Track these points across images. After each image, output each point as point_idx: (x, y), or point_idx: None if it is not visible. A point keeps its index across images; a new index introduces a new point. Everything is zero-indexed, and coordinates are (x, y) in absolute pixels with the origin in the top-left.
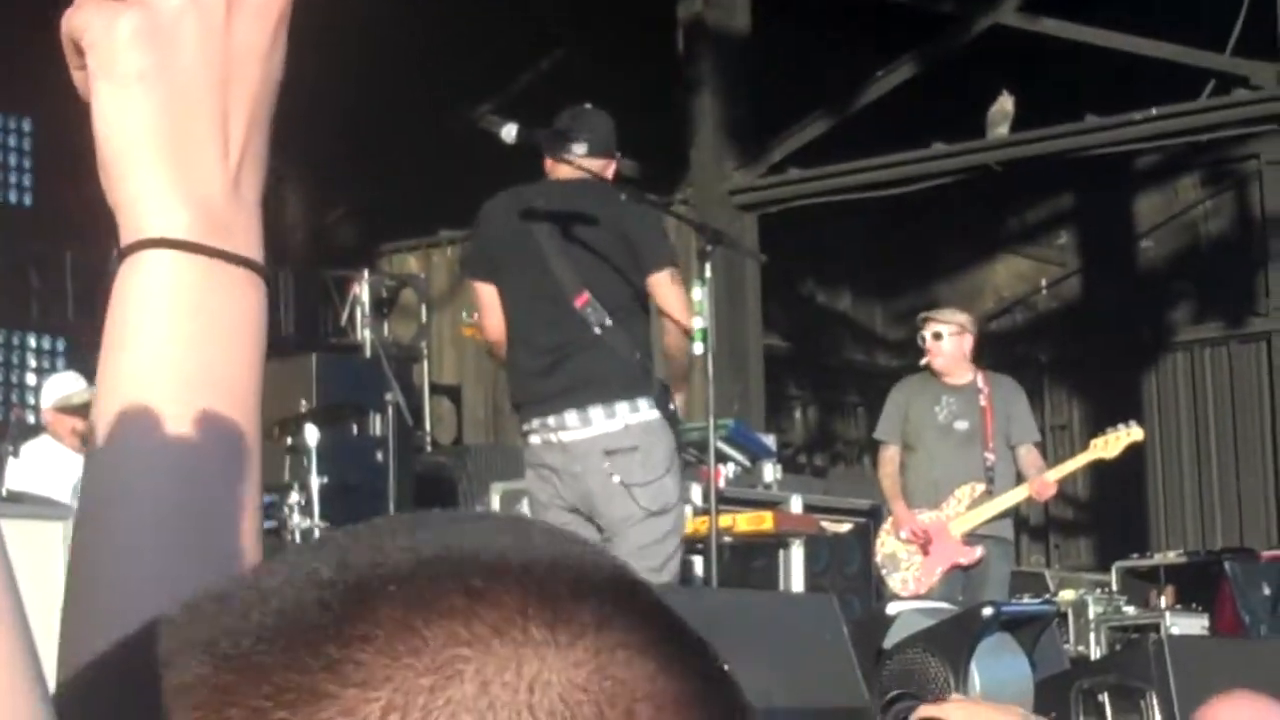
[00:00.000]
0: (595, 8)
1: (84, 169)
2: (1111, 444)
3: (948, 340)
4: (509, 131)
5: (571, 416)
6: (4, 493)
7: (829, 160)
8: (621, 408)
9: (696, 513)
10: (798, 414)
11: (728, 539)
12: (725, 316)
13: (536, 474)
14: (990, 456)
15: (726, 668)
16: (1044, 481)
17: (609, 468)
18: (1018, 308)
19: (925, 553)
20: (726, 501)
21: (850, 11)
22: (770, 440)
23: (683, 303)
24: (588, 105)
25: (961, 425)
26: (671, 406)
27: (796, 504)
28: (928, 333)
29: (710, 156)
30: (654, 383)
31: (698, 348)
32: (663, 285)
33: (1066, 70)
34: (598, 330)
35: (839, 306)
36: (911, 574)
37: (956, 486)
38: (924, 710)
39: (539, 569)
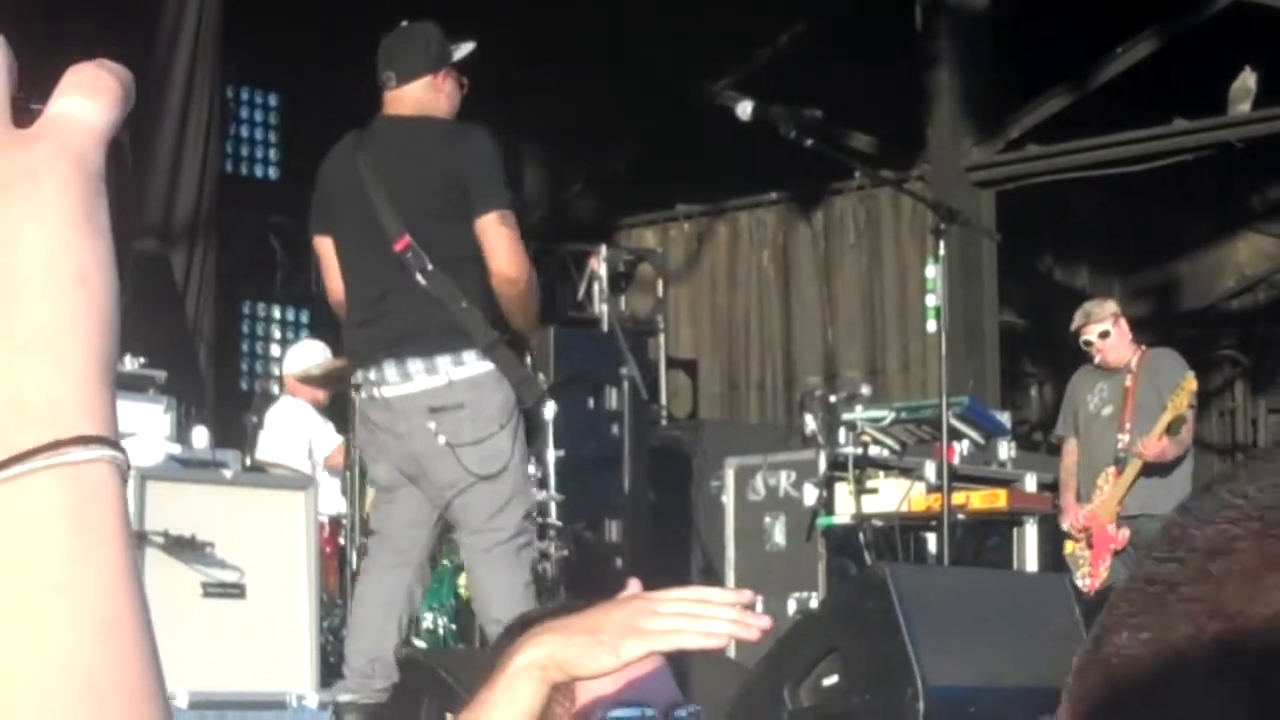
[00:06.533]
0: None
1: (329, 143)
2: (1179, 399)
3: (1114, 335)
4: (744, 109)
5: (390, 370)
6: (250, 462)
7: (1068, 136)
8: (443, 361)
9: (930, 489)
10: (1034, 391)
11: (961, 516)
12: (960, 294)
13: (365, 428)
14: (1123, 438)
15: None
16: (1144, 443)
17: (434, 427)
18: (1260, 286)
19: (1090, 546)
20: (960, 479)
21: None
22: (1005, 418)
23: (509, 248)
24: (404, 23)
25: (1107, 410)
26: (528, 359)
27: (1031, 482)
28: (1092, 336)
29: (948, 133)
30: (484, 333)
31: (930, 325)
32: (489, 229)
33: None
34: (419, 277)
35: (1076, 283)
36: (1086, 570)
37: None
38: None
39: None
